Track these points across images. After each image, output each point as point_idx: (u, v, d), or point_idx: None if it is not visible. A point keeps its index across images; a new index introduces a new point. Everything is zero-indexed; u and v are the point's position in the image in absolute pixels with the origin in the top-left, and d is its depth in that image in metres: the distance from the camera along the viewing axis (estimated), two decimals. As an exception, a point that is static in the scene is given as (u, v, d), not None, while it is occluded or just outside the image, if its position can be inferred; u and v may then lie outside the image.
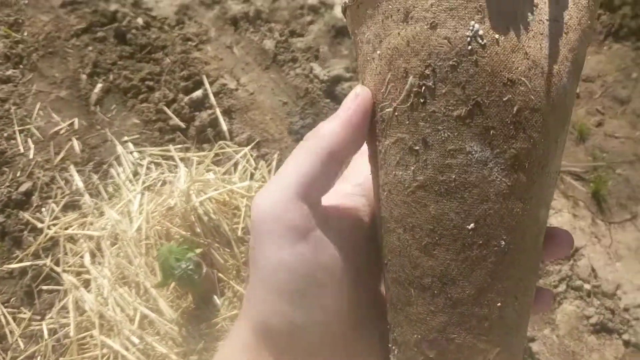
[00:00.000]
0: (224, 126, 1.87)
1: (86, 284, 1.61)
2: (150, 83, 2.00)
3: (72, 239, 1.70)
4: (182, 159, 1.79)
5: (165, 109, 1.94)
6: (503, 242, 0.36)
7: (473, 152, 0.35)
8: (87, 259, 1.63)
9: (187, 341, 1.47)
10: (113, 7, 2.18)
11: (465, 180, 0.35)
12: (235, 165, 1.76)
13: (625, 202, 1.80)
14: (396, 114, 0.36)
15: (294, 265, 0.37)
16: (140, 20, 2.16)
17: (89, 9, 2.18)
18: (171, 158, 1.81)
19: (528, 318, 0.40)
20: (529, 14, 0.35)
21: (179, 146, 1.84)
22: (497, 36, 0.34)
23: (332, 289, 0.38)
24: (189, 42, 2.12)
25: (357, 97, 0.38)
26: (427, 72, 0.34)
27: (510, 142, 0.35)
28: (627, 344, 1.54)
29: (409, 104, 0.35)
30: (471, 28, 0.34)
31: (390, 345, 0.40)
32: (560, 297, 1.61)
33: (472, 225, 0.36)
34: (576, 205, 1.78)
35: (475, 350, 0.37)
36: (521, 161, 0.36)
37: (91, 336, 1.54)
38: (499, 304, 0.37)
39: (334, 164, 0.39)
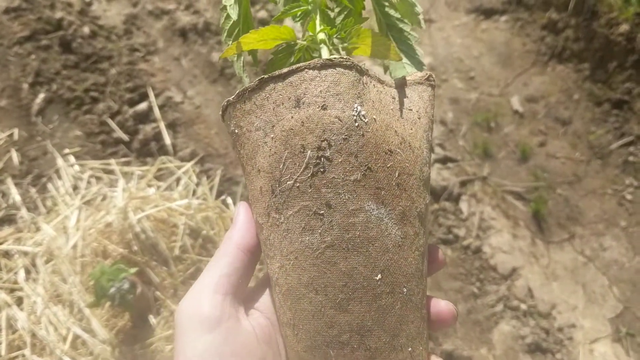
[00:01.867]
0: (168, 140, 1.85)
1: (20, 301, 1.57)
2: (95, 94, 1.96)
3: (6, 254, 1.65)
4: (124, 173, 1.76)
5: (109, 121, 1.91)
6: (405, 289, 0.42)
7: (371, 210, 0.41)
8: (21, 275, 1.59)
9: (119, 362, 1.44)
10: (59, 14, 2.13)
11: (368, 235, 0.41)
12: (178, 180, 1.74)
13: (564, 222, 1.84)
14: (297, 184, 0.41)
15: (206, 355, 0.42)
16: (86, 29, 2.11)
17: (33, 16, 2.13)
18: (113, 172, 1.77)
19: None
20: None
21: (122, 160, 1.81)
22: (374, 116, 0.42)
23: None
24: (136, 53, 2.09)
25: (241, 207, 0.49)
26: (323, 144, 0.41)
27: (397, 201, 0.42)
28: (560, 363, 1.57)
29: (309, 174, 0.41)
30: (355, 109, 0.41)
31: None
32: (497, 317, 1.64)
33: (379, 275, 0.41)
34: (516, 225, 1.81)
35: None
36: (407, 216, 0.42)
37: (23, 355, 1.49)
38: (409, 349, 0.41)
39: (247, 255, 0.47)
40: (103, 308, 1.52)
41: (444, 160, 1.92)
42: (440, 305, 0.47)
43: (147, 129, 1.87)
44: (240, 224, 0.48)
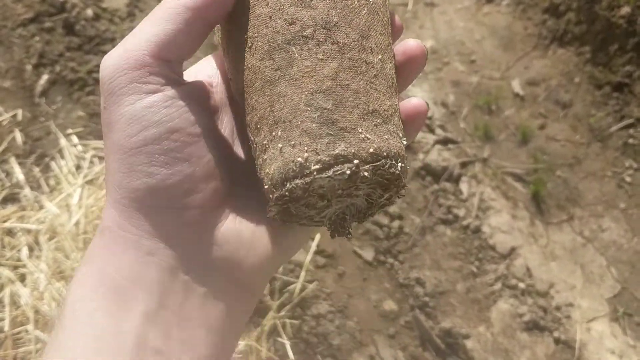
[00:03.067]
0: (170, 121, 1.86)
1: (23, 278, 1.59)
2: (97, 75, 1.98)
3: (10, 232, 1.67)
4: (126, 153, 1.78)
5: (112, 102, 1.92)
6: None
7: None
8: (24, 252, 1.61)
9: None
10: (62, -3, 2.15)
11: None
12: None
13: (563, 203, 1.85)
14: None
15: (148, 115, 0.35)
16: (89, 12, 2.13)
17: (37, -1, 2.14)
18: (115, 152, 1.79)
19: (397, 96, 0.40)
20: None
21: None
22: None
23: (190, 137, 0.36)
24: (139, 35, 2.10)
25: None
26: None
27: None
28: (557, 341, 1.59)
29: None
30: None
31: (267, 142, 0.37)
32: (495, 296, 1.65)
33: None
34: (516, 206, 1.82)
35: (371, 98, 0.36)
36: None
37: (26, 331, 1.52)
38: (380, 57, 0.37)
39: (198, 23, 0.36)
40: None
41: (445, 142, 1.93)
42: (409, 43, 0.41)
43: (149, 109, 1.88)
44: None
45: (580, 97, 2.06)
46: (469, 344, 1.57)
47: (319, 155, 0.34)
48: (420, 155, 1.89)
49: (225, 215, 0.38)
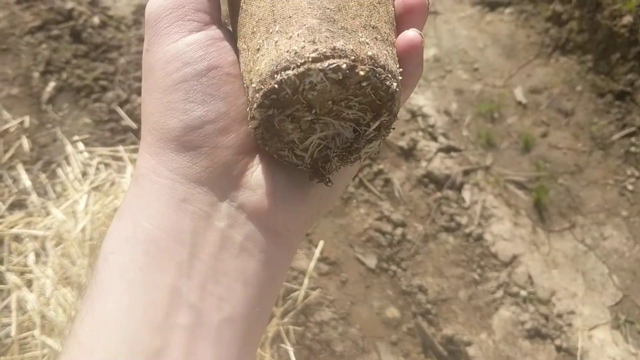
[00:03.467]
0: (175, 128, 1.88)
1: (29, 283, 1.61)
2: (104, 83, 2.00)
3: (17, 238, 1.69)
4: (132, 160, 1.80)
5: (118, 109, 1.94)
6: None
7: None
8: (31, 258, 1.62)
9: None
10: (69, 5, 2.17)
11: None
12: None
13: (565, 211, 1.86)
14: None
15: (189, 52, 0.36)
16: (96, 19, 2.15)
17: (44, 6, 2.17)
18: (121, 159, 1.81)
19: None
20: None
21: (130, 147, 1.85)
22: None
23: (228, 76, 0.37)
24: (145, 43, 2.12)
25: None
26: None
27: None
28: (559, 349, 1.60)
29: None
30: None
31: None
32: (497, 303, 1.66)
33: None
34: (518, 214, 1.83)
35: (373, 16, 0.36)
36: None
37: (32, 336, 1.53)
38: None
39: None
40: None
41: (448, 150, 1.95)
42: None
43: (154, 117, 1.90)
44: None
45: (582, 106, 2.07)
46: (471, 351, 1.58)
47: (316, 45, 0.32)
48: (423, 163, 1.90)
49: (257, 162, 0.38)
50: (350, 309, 1.60)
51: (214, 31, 0.37)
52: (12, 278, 1.60)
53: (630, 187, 1.90)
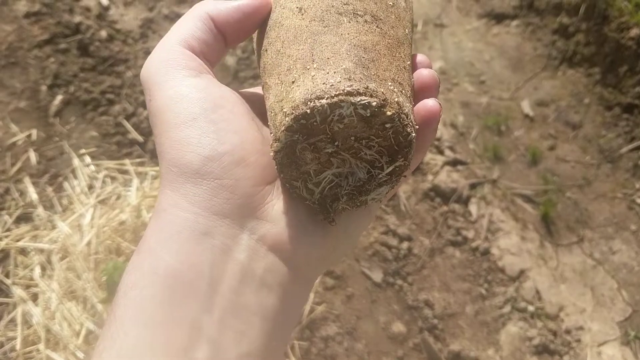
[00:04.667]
0: (181, 141, 1.88)
1: (35, 297, 1.61)
2: (111, 96, 2.01)
3: (23, 251, 1.70)
4: (138, 173, 1.80)
5: (125, 122, 1.95)
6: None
7: None
8: (36, 272, 1.63)
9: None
10: (77, 19, 2.19)
11: None
12: (190, 180, 1.77)
13: (573, 225, 1.84)
14: None
15: (192, 93, 0.37)
16: (103, 33, 2.16)
17: (53, 20, 2.18)
18: (127, 172, 1.81)
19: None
20: None
21: (136, 160, 1.85)
22: None
23: (234, 114, 0.38)
24: (152, 56, 2.13)
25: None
26: None
27: None
28: (567, 365, 1.58)
29: None
30: None
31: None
32: (504, 318, 1.64)
33: None
34: (525, 228, 1.82)
35: (401, 75, 0.38)
36: None
37: (37, 350, 1.53)
38: (408, 62, 0.40)
39: (217, 31, 0.40)
40: (116, 304, 1.55)
41: (454, 163, 1.94)
42: (422, 72, 0.42)
43: (161, 130, 1.90)
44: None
45: (590, 118, 2.06)
46: (478, 367, 1.56)
47: (351, 82, 0.34)
48: (430, 177, 1.89)
49: (277, 195, 0.38)
50: (355, 323, 1.59)
51: (210, 78, 0.39)
52: (17, 292, 1.60)
53: (639, 201, 1.88)
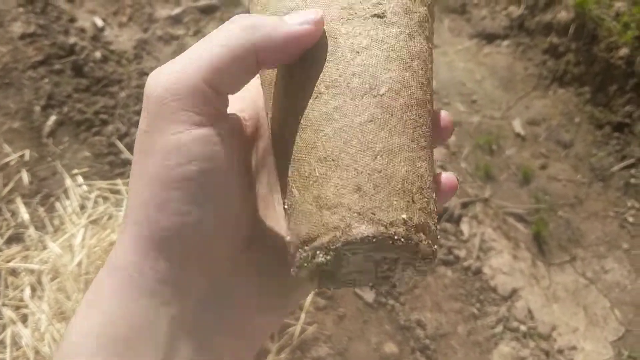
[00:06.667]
0: (174, 161, 1.89)
1: (25, 318, 1.60)
2: (104, 116, 2.02)
3: (14, 272, 1.69)
4: (129, 194, 1.80)
5: (118, 142, 1.95)
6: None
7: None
8: (26, 293, 1.62)
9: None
10: (72, 40, 2.20)
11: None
12: (182, 200, 1.77)
13: (565, 244, 1.84)
14: None
15: (194, 149, 0.32)
16: (98, 54, 2.18)
17: (47, 41, 2.20)
18: (119, 192, 1.82)
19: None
20: None
21: (127, 180, 1.85)
22: None
23: (227, 178, 0.34)
24: (145, 77, 2.14)
25: (316, 23, 0.34)
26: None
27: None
28: (560, 385, 1.57)
29: None
30: None
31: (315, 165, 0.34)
32: (497, 338, 1.64)
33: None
34: (517, 247, 1.82)
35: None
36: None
37: (26, 372, 1.52)
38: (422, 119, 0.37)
39: (253, 64, 0.34)
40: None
41: (445, 182, 1.94)
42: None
43: (153, 150, 1.91)
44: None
45: (581, 137, 2.07)
46: (471, 387, 1.55)
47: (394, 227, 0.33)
48: (422, 195, 1.89)
49: (246, 269, 0.37)
50: (347, 344, 1.58)
51: (221, 128, 0.34)
52: (7, 313, 1.59)
53: (630, 219, 1.88)
